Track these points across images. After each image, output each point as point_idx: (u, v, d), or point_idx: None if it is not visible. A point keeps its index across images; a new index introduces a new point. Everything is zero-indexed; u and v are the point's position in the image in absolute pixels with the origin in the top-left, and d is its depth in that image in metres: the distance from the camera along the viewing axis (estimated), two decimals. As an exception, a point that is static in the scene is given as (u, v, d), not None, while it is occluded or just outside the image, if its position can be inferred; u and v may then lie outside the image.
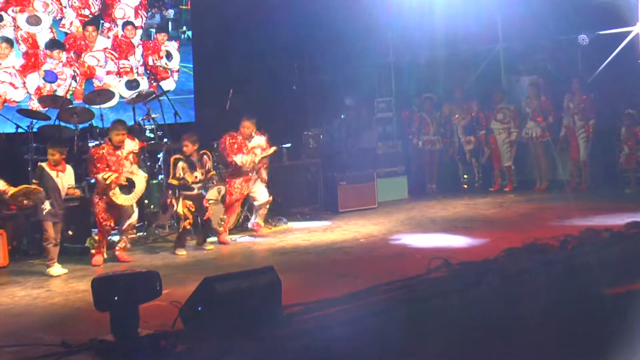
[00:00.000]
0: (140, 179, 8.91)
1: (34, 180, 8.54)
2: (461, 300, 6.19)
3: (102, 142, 10.96)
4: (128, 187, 8.79)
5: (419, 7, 13.73)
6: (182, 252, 9.20)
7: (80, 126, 11.27)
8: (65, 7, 12.96)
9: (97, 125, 11.64)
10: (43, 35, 12.76)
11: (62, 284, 7.83)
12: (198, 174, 9.38)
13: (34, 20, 12.67)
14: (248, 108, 11.17)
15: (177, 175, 9.26)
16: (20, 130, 11.12)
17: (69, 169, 8.72)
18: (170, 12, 14.32)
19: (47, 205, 8.33)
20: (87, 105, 11.79)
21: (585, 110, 12.28)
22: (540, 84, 12.90)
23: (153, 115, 11.49)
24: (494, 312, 6.16)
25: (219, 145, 10.42)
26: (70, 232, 9.57)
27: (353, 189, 11.88)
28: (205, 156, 9.62)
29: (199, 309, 5.35)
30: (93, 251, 8.99)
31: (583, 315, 6.42)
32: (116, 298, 5.14)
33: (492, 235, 8.91)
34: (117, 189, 8.73)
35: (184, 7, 14.47)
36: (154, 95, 11.92)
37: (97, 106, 11.75)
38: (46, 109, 11.62)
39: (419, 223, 10.39)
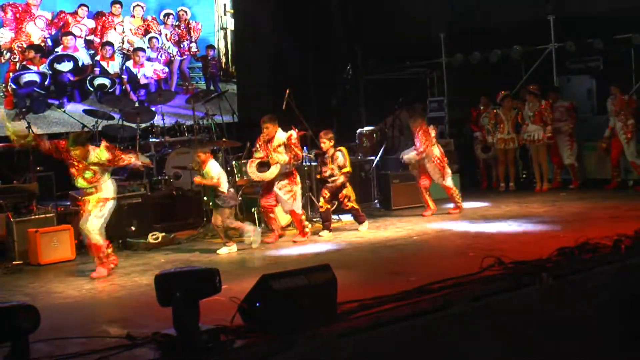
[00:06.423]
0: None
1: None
2: (513, 299, 6.23)
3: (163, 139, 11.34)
4: None
5: (470, 7, 13.70)
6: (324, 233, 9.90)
7: (142, 125, 11.62)
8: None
9: (158, 125, 11.99)
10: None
11: (126, 279, 8.03)
12: (328, 170, 9.93)
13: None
14: (303, 108, 11.32)
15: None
16: (85, 129, 11.52)
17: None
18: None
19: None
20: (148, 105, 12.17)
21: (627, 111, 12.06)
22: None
23: (211, 115, 11.78)
24: (547, 312, 6.21)
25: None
26: (132, 228, 9.89)
27: (406, 187, 11.94)
28: (339, 153, 9.96)
29: (257, 305, 5.41)
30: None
31: (635, 317, 6.43)
32: (177, 294, 5.23)
33: (545, 234, 8.88)
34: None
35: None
36: (212, 95, 12.21)
37: (158, 106, 12.10)
38: (110, 109, 12.01)
39: (471, 221, 10.37)
